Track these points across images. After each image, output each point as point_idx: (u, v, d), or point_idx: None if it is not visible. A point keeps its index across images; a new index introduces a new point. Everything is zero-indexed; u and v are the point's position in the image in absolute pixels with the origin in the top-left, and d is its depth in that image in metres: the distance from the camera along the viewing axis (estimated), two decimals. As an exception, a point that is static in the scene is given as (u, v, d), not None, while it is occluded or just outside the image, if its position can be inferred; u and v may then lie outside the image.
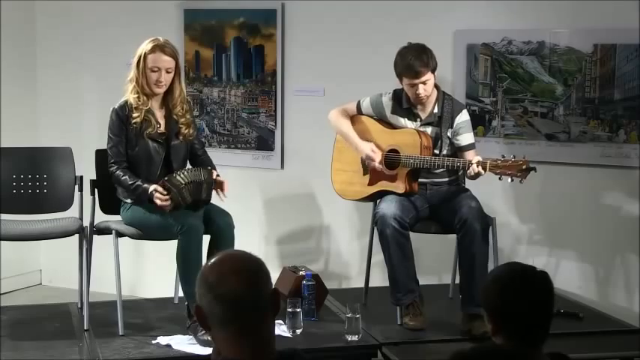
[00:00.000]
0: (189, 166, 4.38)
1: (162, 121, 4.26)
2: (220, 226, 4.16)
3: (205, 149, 4.51)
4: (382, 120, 4.51)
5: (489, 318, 2.40)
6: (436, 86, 4.41)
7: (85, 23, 5.92)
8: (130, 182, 4.15)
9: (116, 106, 4.23)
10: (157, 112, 4.25)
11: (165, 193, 4.08)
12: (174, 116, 4.25)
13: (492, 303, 2.39)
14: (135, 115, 4.17)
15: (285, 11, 5.48)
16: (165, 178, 4.12)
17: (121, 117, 4.20)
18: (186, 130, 4.27)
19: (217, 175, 4.25)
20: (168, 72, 4.19)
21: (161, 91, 4.22)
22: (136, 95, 4.19)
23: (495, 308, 2.38)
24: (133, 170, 4.20)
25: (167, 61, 4.18)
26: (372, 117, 4.54)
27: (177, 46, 5.56)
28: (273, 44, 5.51)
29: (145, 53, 4.17)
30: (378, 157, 4.40)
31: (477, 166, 4.13)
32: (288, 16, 5.48)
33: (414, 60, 4.25)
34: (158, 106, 4.27)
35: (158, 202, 4.08)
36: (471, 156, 4.29)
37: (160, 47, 4.19)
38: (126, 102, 4.21)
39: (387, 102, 4.48)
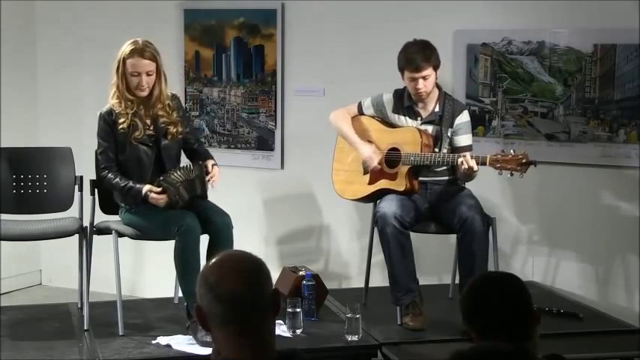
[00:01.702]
0: (183, 163, 4.36)
1: (150, 124, 4.22)
2: (219, 227, 4.16)
3: (201, 141, 4.47)
4: (383, 120, 4.51)
5: (474, 334, 2.42)
6: (438, 86, 4.42)
7: (85, 23, 5.91)
8: (122, 185, 4.15)
9: (103, 111, 4.21)
10: (143, 114, 4.22)
11: (159, 191, 4.08)
12: (157, 117, 4.22)
13: (470, 317, 2.40)
14: (121, 120, 4.15)
15: (285, 11, 5.48)
16: (161, 178, 4.13)
17: (108, 122, 4.18)
18: (174, 129, 4.24)
19: (214, 165, 4.24)
20: (149, 75, 4.15)
21: (144, 94, 4.18)
22: (117, 101, 4.17)
23: (475, 322, 2.39)
24: (125, 174, 4.19)
25: (146, 65, 4.13)
26: (373, 117, 4.54)
27: (177, 46, 5.61)
28: (273, 44, 5.51)
29: (123, 58, 4.14)
30: (376, 161, 4.40)
31: (471, 159, 4.13)
32: (288, 16, 5.48)
33: (416, 54, 4.27)
34: (144, 108, 4.23)
35: (154, 201, 4.08)
36: None
37: (138, 51, 4.13)
38: (111, 107, 4.20)
39: (388, 100, 4.49)
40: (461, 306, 2.44)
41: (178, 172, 4.13)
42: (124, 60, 4.13)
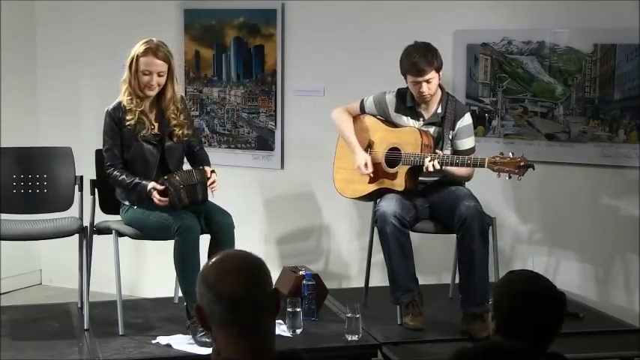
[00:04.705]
0: (186, 165, 4.37)
1: (156, 123, 4.24)
2: (221, 226, 4.16)
3: (203, 145, 4.48)
4: (385, 119, 4.51)
5: (494, 317, 2.41)
6: (441, 87, 4.42)
7: (85, 23, 5.92)
8: (129, 181, 4.16)
9: (109, 108, 4.22)
10: (150, 113, 4.24)
11: (161, 189, 4.08)
12: (167, 118, 4.24)
13: (500, 309, 2.39)
14: (128, 117, 4.16)
15: (285, 11, 5.48)
16: (165, 177, 4.13)
17: (114, 119, 4.19)
18: (180, 131, 4.25)
19: (212, 172, 4.24)
20: (160, 75, 4.16)
21: (153, 93, 4.20)
22: (129, 97, 4.17)
23: (502, 316, 2.38)
24: (131, 172, 4.20)
25: (159, 65, 4.15)
26: (375, 116, 4.54)
27: (178, 46, 5.61)
28: (273, 44, 5.51)
29: (137, 55, 4.15)
30: (368, 170, 4.39)
31: (430, 162, 4.15)
32: (288, 16, 5.48)
33: (418, 58, 4.26)
34: (151, 107, 4.25)
35: (156, 200, 4.08)
36: None
37: (152, 50, 4.15)
38: (119, 103, 4.20)
39: (390, 100, 4.49)
40: (499, 303, 2.41)
41: (181, 176, 4.14)
42: (138, 57, 4.15)
